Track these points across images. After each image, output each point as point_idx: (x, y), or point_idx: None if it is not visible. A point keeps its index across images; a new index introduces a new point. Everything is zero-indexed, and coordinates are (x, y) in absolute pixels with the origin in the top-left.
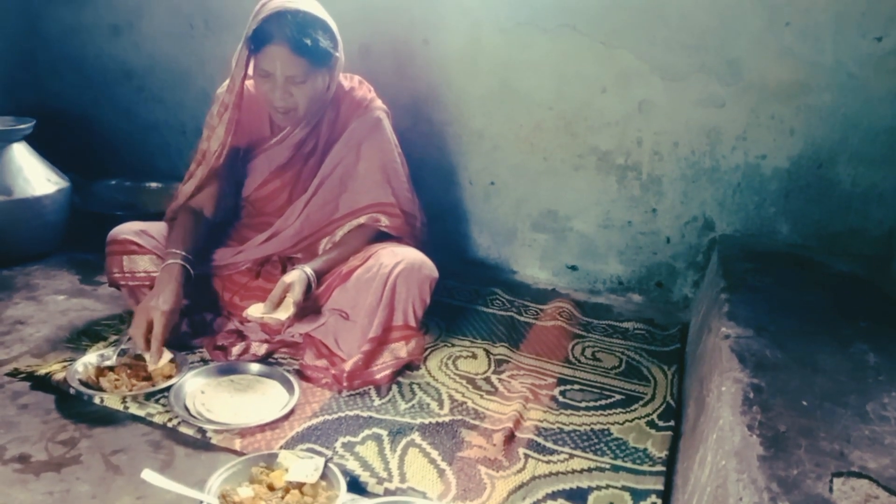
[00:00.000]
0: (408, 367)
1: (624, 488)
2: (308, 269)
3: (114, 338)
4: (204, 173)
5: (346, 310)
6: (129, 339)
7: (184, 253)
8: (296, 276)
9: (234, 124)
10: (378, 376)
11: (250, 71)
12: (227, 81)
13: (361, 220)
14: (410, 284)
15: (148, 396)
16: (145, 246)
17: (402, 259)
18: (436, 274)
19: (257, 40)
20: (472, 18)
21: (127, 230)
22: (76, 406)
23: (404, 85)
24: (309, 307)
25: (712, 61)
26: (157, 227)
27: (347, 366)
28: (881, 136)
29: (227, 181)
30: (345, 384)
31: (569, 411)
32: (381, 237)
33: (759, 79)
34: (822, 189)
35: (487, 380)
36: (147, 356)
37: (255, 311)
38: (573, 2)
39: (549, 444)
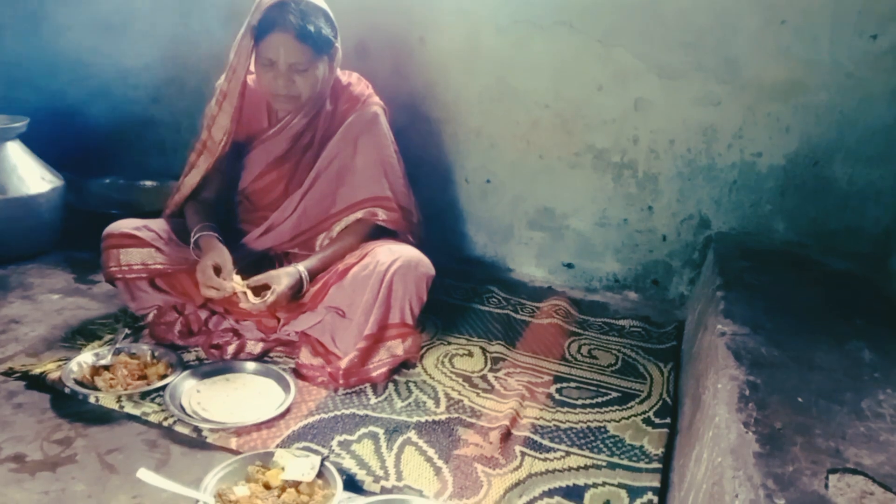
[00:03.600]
0: (404, 365)
1: (620, 486)
2: (301, 267)
3: (109, 337)
4: (208, 163)
5: (343, 307)
6: (125, 337)
7: (212, 224)
8: (286, 271)
9: (238, 113)
10: (374, 374)
11: (252, 62)
12: (225, 72)
13: (359, 214)
14: (407, 282)
15: (143, 395)
16: (144, 238)
17: (398, 257)
18: (432, 271)
19: (261, 29)
20: (469, 16)
21: (125, 225)
22: (71, 405)
23: (401, 83)
24: (296, 306)
25: (709, 60)
26: (157, 223)
27: (343, 363)
28: (877, 135)
29: (227, 175)
30: (341, 382)
31: (565, 409)
32: (378, 234)
33: (755, 77)
34: (819, 187)
35: (484, 378)
36: (224, 286)
37: (239, 284)
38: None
39: (546, 442)
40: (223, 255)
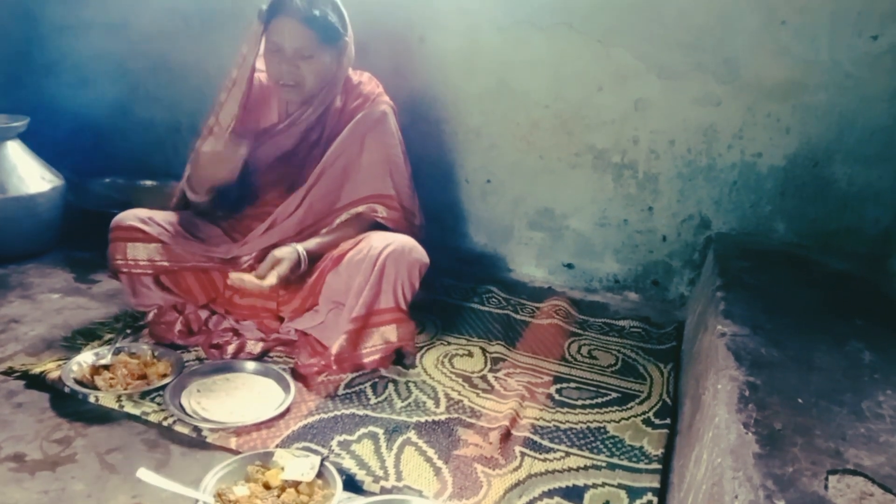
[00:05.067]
0: (402, 363)
1: (620, 486)
2: (300, 247)
3: (109, 336)
4: None
5: (341, 294)
6: (125, 336)
7: None
8: (286, 253)
9: (246, 99)
10: (367, 360)
11: (258, 60)
12: (237, 59)
13: (360, 209)
14: (399, 266)
15: (143, 395)
16: (150, 233)
17: (392, 241)
18: (426, 259)
19: (269, 14)
20: (469, 16)
21: (132, 216)
22: (71, 405)
23: (401, 83)
24: (295, 281)
25: (709, 60)
26: (164, 215)
27: (334, 349)
28: (877, 135)
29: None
30: (334, 367)
31: (565, 409)
32: (378, 230)
33: (755, 77)
34: (818, 187)
35: (484, 378)
36: None
37: (238, 276)
38: (570, 0)
39: (546, 443)
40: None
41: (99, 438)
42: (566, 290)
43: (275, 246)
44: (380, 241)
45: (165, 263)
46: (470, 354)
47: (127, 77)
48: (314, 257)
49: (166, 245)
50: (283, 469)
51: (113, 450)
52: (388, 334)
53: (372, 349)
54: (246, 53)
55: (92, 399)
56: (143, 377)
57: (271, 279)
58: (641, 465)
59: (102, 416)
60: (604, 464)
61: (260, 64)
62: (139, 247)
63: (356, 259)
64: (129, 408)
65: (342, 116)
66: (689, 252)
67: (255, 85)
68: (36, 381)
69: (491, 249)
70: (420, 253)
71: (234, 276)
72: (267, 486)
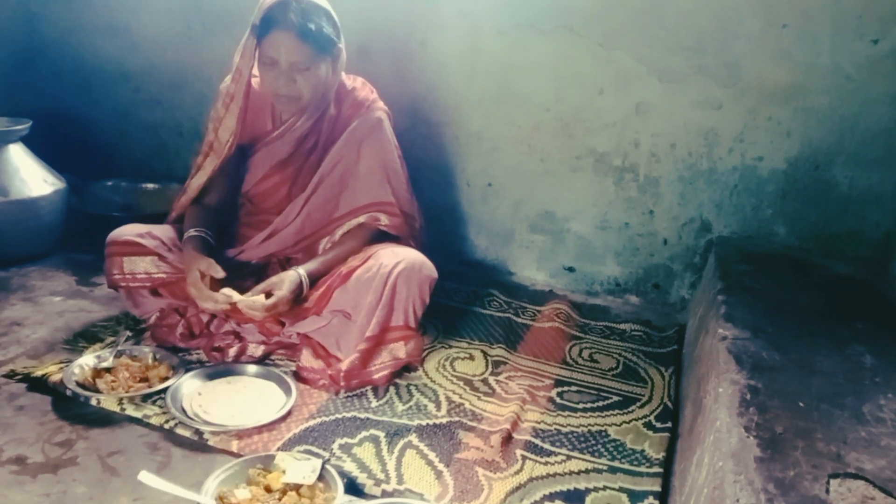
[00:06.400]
0: (406, 368)
1: (621, 490)
2: (301, 271)
3: (110, 339)
4: (214, 165)
5: (348, 310)
6: (127, 339)
7: (203, 229)
8: (287, 275)
9: (244, 113)
10: (376, 376)
11: (255, 63)
12: (231, 74)
13: (361, 219)
14: (411, 284)
15: (145, 398)
16: (147, 246)
17: (402, 259)
18: (435, 274)
19: (262, 28)
20: (470, 20)
21: (128, 231)
22: (73, 408)
23: (402, 86)
24: (299, 310)
25: (710, 63)
26: (161, 229)
27: (344, 365)
28: (878, 138)
29: (231, 178)
30: (342, 384)
31: (566, 413)
32: (381, 238)
33: (756, 81)
34: (819, 191)
35: (485, 381)
36: (222, 295)
37: (237, 296)
38: (571, 3)
39: (547, 446)
40: (206, 261)
41: (100, 441)
42: (567, 293)
43: (273, 255)
44: (390, 259)
45: (163, 276)
46: (471, 358)
47: (129, 80)
48: (315, 279)
49: (163, 257)
50: (284, 472)
51: (114, 453)
52: (396, 351)
53: (381, 366)
54: (241, 67)
55: (94, 402)
56: (145, 380)
57: (271, 301)
58: (643, 469)
59: (104, 419)
60: (605, 467)
61: (255, 70)
62: (136, 260)
63: (365, 277)
64: (131, 411)
65: (337, 123)
66: (690, 255)
67: (250, 92)
68: (38, 384)
69: (492, 253)
70: (430, 269)
71: (241, 301)
72: (268, 489)
